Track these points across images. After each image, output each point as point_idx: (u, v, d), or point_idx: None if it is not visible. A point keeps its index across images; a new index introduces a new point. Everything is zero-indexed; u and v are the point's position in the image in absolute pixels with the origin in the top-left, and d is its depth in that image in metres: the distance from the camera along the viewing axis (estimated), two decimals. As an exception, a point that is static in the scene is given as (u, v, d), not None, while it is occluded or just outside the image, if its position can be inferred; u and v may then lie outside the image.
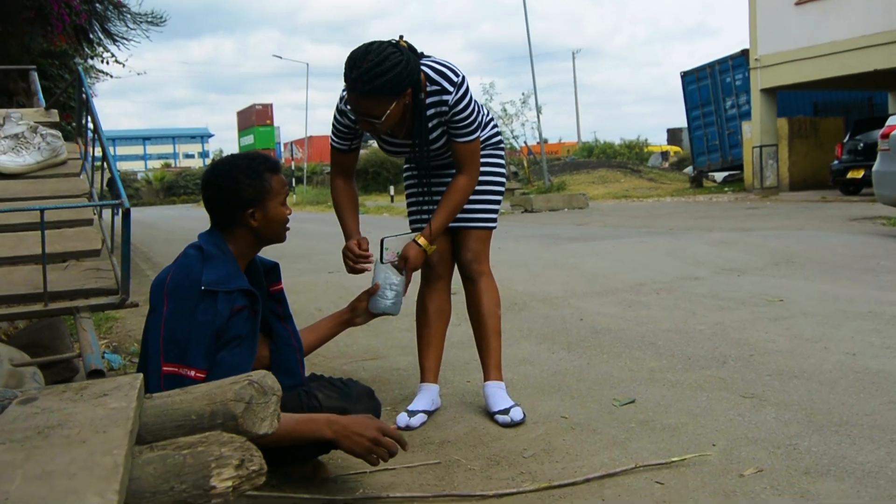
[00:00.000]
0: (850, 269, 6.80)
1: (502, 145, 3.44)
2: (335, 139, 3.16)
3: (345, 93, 2.95)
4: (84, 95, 4.05)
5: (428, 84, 2.93)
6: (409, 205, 3.39)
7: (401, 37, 2.90)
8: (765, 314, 4.89)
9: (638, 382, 3.57)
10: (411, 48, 2.88)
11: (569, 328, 4.76)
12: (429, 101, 2.96)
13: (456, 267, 3.37)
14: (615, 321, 4.90)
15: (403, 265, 3.04)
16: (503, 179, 3.37)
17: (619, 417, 3.11)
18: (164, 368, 2.28)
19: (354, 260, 3.05)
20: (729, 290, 5.86)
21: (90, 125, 3.92)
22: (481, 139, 3.18)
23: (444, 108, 2.96)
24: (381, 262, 3.03)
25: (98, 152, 3.77)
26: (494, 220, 3.33)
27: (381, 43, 2.80)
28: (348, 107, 2.96)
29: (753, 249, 8.04)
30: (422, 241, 3.05)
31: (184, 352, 2.29)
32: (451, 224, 3.19)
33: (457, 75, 2.95)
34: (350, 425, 2.33)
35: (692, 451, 2.70)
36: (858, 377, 3.48)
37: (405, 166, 3.46)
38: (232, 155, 2.64)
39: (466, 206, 3.20)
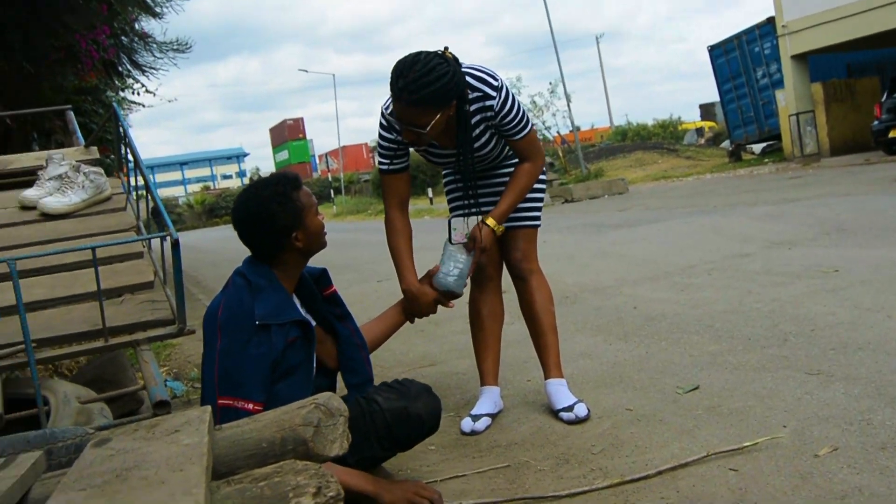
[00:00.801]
0: (903, 231, 6.66)
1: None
2: (382, 160, 3.12)
3: (388, 108, 2.96)
4: (122, 129, 4.09)
5: (470, 92, 2.92)
6: (451, 210, 3.38)
7: (446, 48, 2.89)
8: (821, 286, 4.80)
9: (699, 368, 3.53)
10: (455, 59, 2.87)
11: (623, 318, 4.72)
12: (472, 108, 2.95)
13: (506, 268, 3.36)
14: (670, 306, 4.84)
15: (472, 245, 3.03)
16: (544, 177, 3.35)
17: (685, 405, 3.07)
18: (220, 401, 2.30)
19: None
20: (781, 264, 5.77)
21: (130, 157, 3.97)
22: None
23: (490, 114, 2.96)
24: (450, 242, 3.05)
25: (140, 182, 3.81)
26: (539, 219, 3.33)
27: (427, 53, 2.80)
28: (392, 116, 2.96)
29: (801, 220, 7.92)
30: (490, 221, 3.04)
31: (238, 385, 2.31)
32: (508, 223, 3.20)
33: (495, 79, 2.96)
34: (391, 487, 2.40)
35: (763, 434, 2.65)
36: (926, 344, 3.41)
37: (444, 172, 3.45)
38: (252, 185, 2.62)
39: (522, 205, 3.21)
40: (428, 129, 2.83)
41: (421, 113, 2.79)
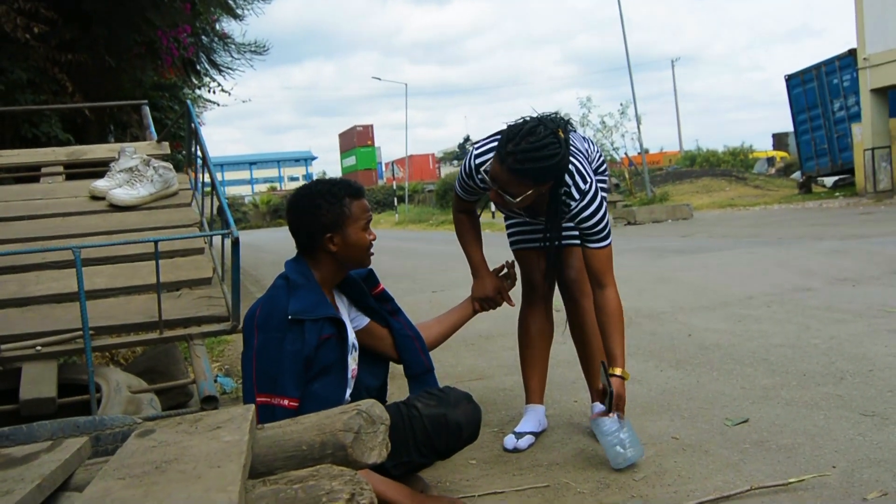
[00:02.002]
0: (974, 275, 6.47)
1: (607, 171, 3.40)
2: (460, 190, 3.17)
3: (478, 158, 2.97)
4: (193, 127, 4.18)
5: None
6: (512, 244, 3.39)
7: (567, 123, 2.85)
8: (883, 326, 4.69)
9: (750, 401, 3.47)
10: (566, 141, 2.80)
11: (677, 345, 4.67)
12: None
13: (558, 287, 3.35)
14: (725, 336, 4.77)
15: (614, 409, 2.87)
16: (606, 194, 3.31)
17: (732, 438, 3.02)
18: (258, 399, 2.34)
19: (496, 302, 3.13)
20: (844, 301, 5.65)
21: (199, 155, 4.05)
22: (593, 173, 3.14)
23: (567, 210, 2.94)
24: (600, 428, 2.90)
25: (207, 179, 3.89)
26: (604, 239, 3.05)
27: (546, 128, 2.74)
28: (483, 170, 2.93)
29: (869, 257, 7.74)
30: (618, 371, 2.90)
31: (274, 381, 2.35)
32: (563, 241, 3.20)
33: (585, 182, 2.91)
34: (427, 499, 2.43)
35: (810, 472, 2.60)
36: None
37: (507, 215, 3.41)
38: (316, 180, 2.71)
39: (568, 226, 3.17)
40: (517, 200, 2.82)
41: (518, 183, 2.77)
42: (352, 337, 2.66)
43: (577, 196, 2.90)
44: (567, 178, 2.89)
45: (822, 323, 4.93)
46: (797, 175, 28.35)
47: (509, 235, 3.39)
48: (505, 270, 3.18)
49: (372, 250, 2.66)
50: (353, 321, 2.77)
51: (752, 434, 3.05)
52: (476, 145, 3.06)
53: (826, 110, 23.82)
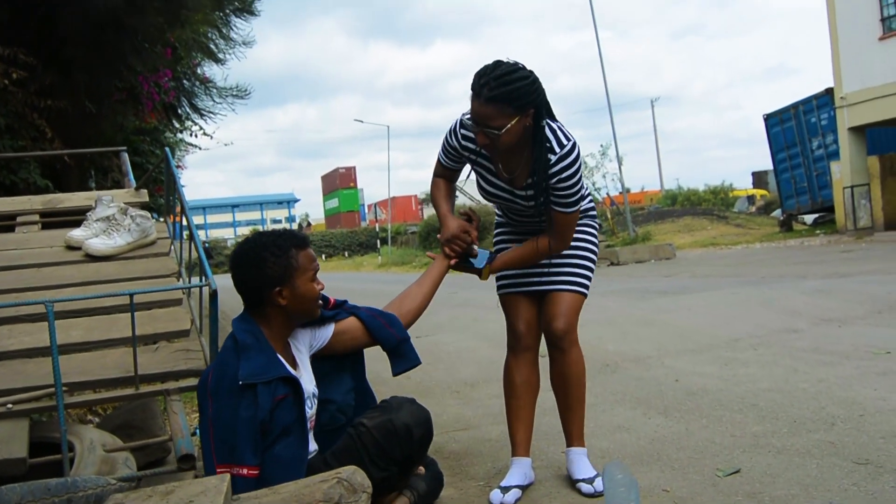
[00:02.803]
0: (959, 314, 6.46)
1: (596, 217, 3.40)
2: (442, 154, 3.18)
3: (465, 117, 2.96)
4: (171, 174, 4.12)
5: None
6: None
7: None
8: (871, 369, 4.65)
9: (741, 449, 3.41)
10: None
11: (664, 391, 4.60)
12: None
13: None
14: (712, 381, 4.71)
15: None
16: (597, 250, 3.31)
17: (724, 490, 2.95)
18: (218, 469, 2.28)
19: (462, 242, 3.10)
20: (831, 342, 5.61)
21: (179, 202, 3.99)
22: (590, 212, 3.27)
23: (549, 164, 2.92)
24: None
25: (186, 228, 3.83)
26: (588, 288, 3.23)
27: (513, 61, 2.84)
28: (468, 120, 2.92)
29: (853, 297, 7.74)
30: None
31: (232, 450, 2.30)
32: (543, 287, 3.18)
33: (567, 140, 2.91)
34: None
35: (806, 526, 2.54)
36: (982, 437, 3.26)
37: (497, 221, 3.42)
38: (259, 233, 2.67)
39: (561, 268, 3.18)
40: (502, 132, 2.80)
41: (497, 112, 2.77)
42: (310, 387, 2.62)
43: (557, 150, 2.90)
44: (548, 132, 2.90)
45: (809, 366, 4.89)
46: (778, 213, 28.56)
47: (497, 279, 3.32)
48: (467, 216, 3.16)
49: (320, 301, 2.64)
50: (319, 340, 2.75)
51: (744, 485, 2.98)
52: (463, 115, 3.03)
53: (805, 149, 24.04)
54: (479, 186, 3.23)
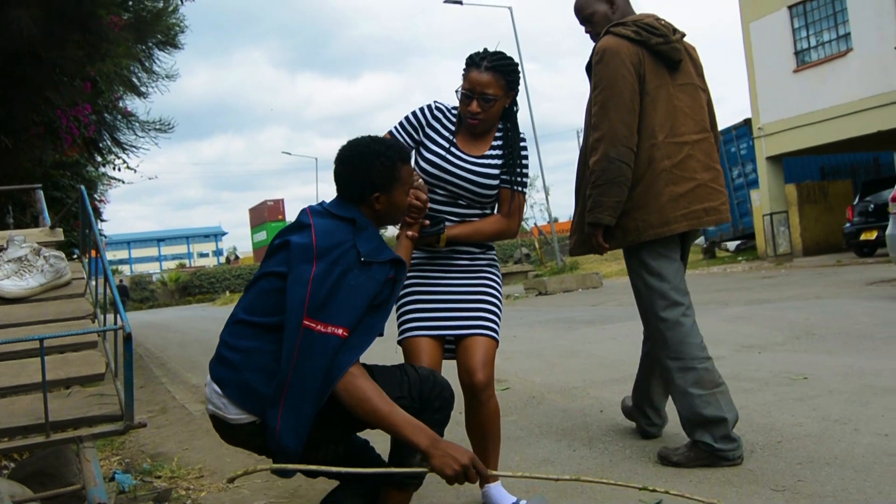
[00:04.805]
0: (872, 339, 6.65)
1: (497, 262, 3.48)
2: (398, 129, 3.33)
3: (428, 107, 3.32)
4: (87, 214, 4.03)
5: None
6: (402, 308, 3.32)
7: None
8: (789, 394, 4.75)
9: (664, 479, 3.44)
10: None
11: (589, 422, 4.63)
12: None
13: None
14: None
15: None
16: (502, 295, 3.41)
17: (647, 521, 2.98)
18: (306, 322, 2.44)
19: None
20: (750, 369, 5.73)
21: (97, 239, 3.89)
22: (491, 254, 3.40)
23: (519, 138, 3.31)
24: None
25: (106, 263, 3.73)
26: (499, 333, 3.26)
27: None
28: (457, 89, 3.21)
29: (772, 323, 7.92)
30: (445, 235, 3.17)
31: (330, 311, 2.46)
32: (461, 331, 3.16)
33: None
34: (447, 447, 2.40)
35: (725, 556, 2.56)
36: (893, 461, 3.35)
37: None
38: (374, 138, 2.82)
39: (474, 311, 3.18)
40: (492, 102, 3.13)
41: (494, 83, 3.12)
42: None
43: (522, 134, 3.31)
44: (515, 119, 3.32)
45: (731, 393, 4.95)
46: (701, 240, 29.14)
47: (401, 322, 3.28)
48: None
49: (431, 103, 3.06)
50: None
51: (666, 516, 3.01)
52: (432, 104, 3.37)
53: (726, 177, 24.52)
54: (426, 165, 3.26)
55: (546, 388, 5.77)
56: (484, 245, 3.32)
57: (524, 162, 3.28)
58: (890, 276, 11.94)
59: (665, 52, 3.54)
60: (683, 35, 3.69)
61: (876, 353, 6.01)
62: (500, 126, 3.30)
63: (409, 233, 3.03)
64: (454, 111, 3.32)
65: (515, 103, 3.28)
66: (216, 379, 2.60)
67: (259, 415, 2.51)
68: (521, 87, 3.30)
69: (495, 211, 3.34)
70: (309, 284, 2.47)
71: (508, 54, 3.18)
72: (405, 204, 2.83)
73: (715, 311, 9.51)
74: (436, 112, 3.31)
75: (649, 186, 3.53)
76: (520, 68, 3.26)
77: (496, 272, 3.37)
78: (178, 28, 8.78)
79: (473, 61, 3.16)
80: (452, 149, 3.23)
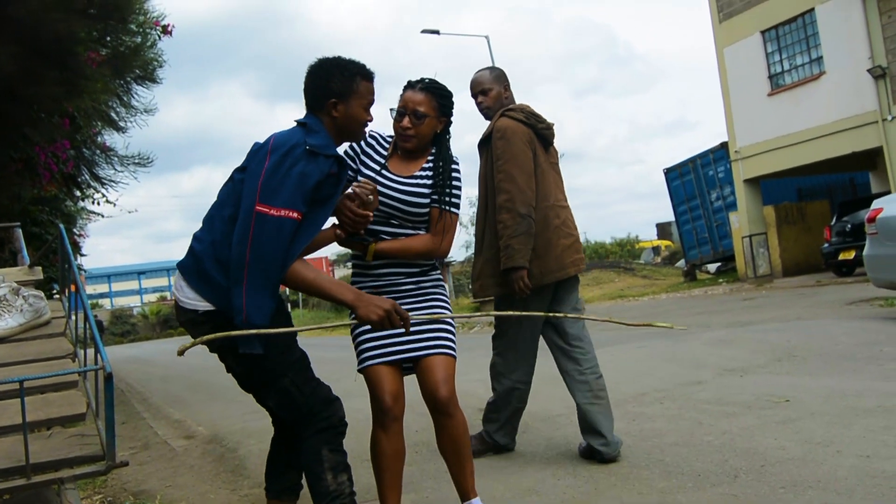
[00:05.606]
0: (853, 359, 6.70)
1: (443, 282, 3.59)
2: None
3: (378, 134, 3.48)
4: (65, 253, 4.01)
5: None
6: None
7: None
8: (772, 417, 4.77)
9: (649, 508, 3.44)
10: None
11: (573, 450, 4.62)
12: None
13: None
14: (620, 437, 4.75)
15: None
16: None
17: (632, 550, 2.98)
18: (258, 207, 2.70)
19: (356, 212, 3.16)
20: (733, 392, 5.74)
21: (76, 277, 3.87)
22: (436, 276, 3.48)
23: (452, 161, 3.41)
24: None
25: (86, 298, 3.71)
26: (456, 350, 3.36)
27: None
28: (392, 108, 3.39)
29: (754, 346, 7.95)
30: (373, 247, 3.28)
31: (282, 196, 2.71)
32: (419, 353, 3.24)
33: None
34: (370, 298, 2.84)
35: (711, 584, 2.57)
36: (876, 483, 3.37)
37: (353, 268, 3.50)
38: (339, 56, 3.02)
39: (428, 333, 3.26)
40: (423, 119, 3.30)
41: (426, 101, 3.30)
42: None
43: (455, 158, 3.44)
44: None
45: (713, 417, 4.99)
46: (682, 263, 29.32)
47: (359, 353, 3.32)
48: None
49: (366, 129, 3.08)
50: None
51: (651, 544, 3.01)
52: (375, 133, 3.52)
53: (704, 200, 24.85)
54: (401, 140, 3.42)
55: (530, 416, 5.75)
56: (427, 266, 3.41)
57: (455, 184, 3.37)
58: (869, 295, 12.04)
59: (546, 135, 4.37)
60: (553, 124, 4.47)
61: (857, 374, 6.06)
62: (432, 150, 3.43)
63: (338, 231, 3.18)
64: (389, 138, 3.48)
65: (448, 131, 3.44)
66: (180, 266, 2.96)
67: (214, 303, 2.83)
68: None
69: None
70: (262, 175, 2.73)
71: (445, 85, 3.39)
72: (363, 118, 3.00)
73: (697, 334, 9.53)
74: (369, 139, 3.45)
75: (547, 240, 4.25)
76: (453, 100, 3.42)
77: (444, 292, 3.47)
78: (156, 62, 8.81)
79: (410, 83, 3.37)
80: (384, 171, 3.37)
